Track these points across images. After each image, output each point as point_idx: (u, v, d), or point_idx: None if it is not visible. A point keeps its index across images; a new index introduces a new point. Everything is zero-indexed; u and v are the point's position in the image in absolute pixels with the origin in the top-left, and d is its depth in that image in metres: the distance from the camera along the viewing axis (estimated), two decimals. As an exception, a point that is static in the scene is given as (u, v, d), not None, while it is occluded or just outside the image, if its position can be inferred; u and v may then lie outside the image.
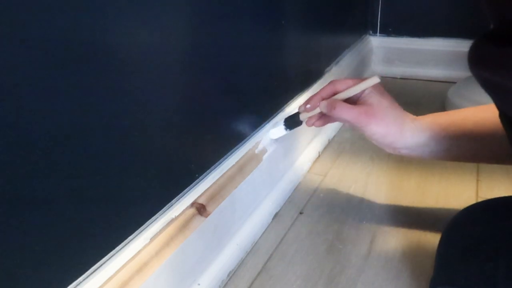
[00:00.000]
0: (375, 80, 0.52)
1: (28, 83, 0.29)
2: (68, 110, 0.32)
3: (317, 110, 0.56)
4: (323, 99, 0.55)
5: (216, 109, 0.53)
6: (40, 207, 0.31)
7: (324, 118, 0.57)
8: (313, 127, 0.59)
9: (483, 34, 0.28)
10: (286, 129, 0.62)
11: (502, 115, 0.36)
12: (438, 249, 0.48)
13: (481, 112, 0.53)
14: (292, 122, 0.61)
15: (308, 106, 0.57)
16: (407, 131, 0.54)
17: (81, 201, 0.35)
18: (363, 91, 0.54)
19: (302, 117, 0.59)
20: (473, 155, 0.57)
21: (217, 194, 0.52)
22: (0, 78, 0.27)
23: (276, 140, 0.65)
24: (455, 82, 1.07)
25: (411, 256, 0.55)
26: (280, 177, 0.70)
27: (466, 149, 0.55)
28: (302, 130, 0.76)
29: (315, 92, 0.70)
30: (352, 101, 0.55)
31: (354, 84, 0.53)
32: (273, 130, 0.64)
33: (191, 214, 0.48)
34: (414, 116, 0.56)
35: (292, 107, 0.75)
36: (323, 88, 0.56)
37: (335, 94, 0.55)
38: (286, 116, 0.63)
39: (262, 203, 0.64)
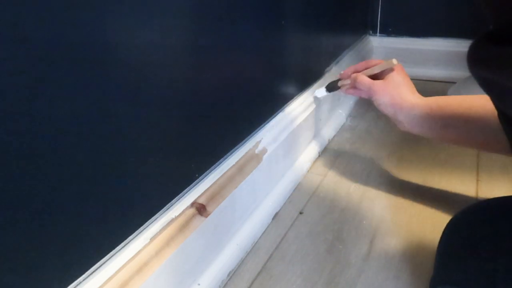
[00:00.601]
0: (392, 63, 0.65)
1: (28, 83, 0.29)
2: (68, 110, 0.32)
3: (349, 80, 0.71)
4: (355, 71, 0.69)
5: (216, 109, 0.53)
6: (40, 207, 0.31)
7: (356, 89, 0.69)
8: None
9: (482, 34, 0.28)
10: (326, 91, 0.78)
11: (500, 114, 0.36)
12: (438, 249, 0.48)
13: (478, 99, 0.57)
14: (332, 86, 0.76)
15: (344, 73, 0.72)
16: (408, 105, 0.61)
17: (81, 201, 0.35)
18: (387, 69, 0.65)
19: (340, 83, 0.73)
20: (467, 139, 0.59)
21: (217, 194, 0.52)
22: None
23: (320, 98, 0.81)
24: (455, 82, 1.08)
25: (411, 256, 0.56)
26: (280, 177, 0.70)
27: (461, 131, 0.58)
28: (302, 130, 0.76)
29: (314, 92, 0.75)
30: (377, 77, 0.67)
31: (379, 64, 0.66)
32: (317, 91, 0.80)
33: (191, 214, 0.48)
34: (420, 96, 0.63)
35: (292, 107, 0.75)
36: (358, 64, 0.70)
37: (366, 69, 0.68)
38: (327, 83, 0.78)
39: (262, 203, 0.64)
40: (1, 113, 0.27)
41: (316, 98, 0.81)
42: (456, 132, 0.59)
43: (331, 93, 0.78)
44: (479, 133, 0.56)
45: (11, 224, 0.29)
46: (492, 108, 0.36)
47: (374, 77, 0.67)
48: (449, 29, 1.18)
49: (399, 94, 0.61)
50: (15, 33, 0.27)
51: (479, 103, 0.56)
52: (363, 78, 0.66)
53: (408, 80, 0.64)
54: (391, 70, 0.65)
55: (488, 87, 0.30)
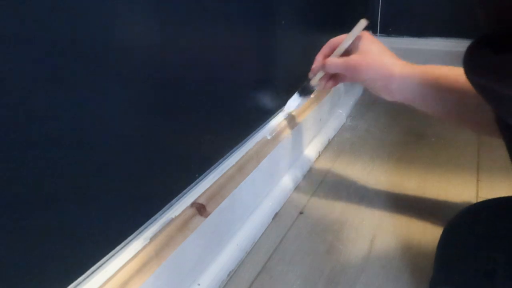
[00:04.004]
0: (363, 23, 0.55)
1: (28, 83, 0.29)
2: (68, 111, 0.32)
3: (320, 75, 0.60)
4: (324, 58, 0.58)
5: (216, 109, 0.53)
6: (40, 207, 0.31)
7: (333, 78, 0.61)
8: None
9: (477, 39, 0.28)
10: (300, 96, 0.67)
11: (498, 120, 0.36)
12: (438, 249, 0.48)
13: None
14: (305, 89, 0.65)
15: (313, 66, 0.60)
16: (397, 75, 0.54)
17: (81, 201, 0.35)
18: (356, 40, 0.56)
19: (313, 82, 0.62)
20: (459, 114, 0.54)
21: (217, 194, 0.52)
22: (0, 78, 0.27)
23: (293, 110, 0.70)
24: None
25: (411, 256, 0.55)
26: (280, 177, 0.70)
27: (454, 104, 0.53)
28: (303, 130, 0.76)
29: (314, 92, 0.72)
30: (349, 53, 0.57)
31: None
32: (289, 103, 0.68)
33: (191, 214, 0.48)
34: (405, 62, 0.56)
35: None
36: (322, 48, 0.59)
37: (333, 50, 0.58)
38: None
39: (262, 203, 0.64)
40: (1, 113, 0.27)
41: (288, 109, 0.69)
42: (449, 107, 0.54)
43: (307, 97, 0.68)
44: (475, 110, 0.51)
45: (11, 224, 0.29)
46: None
47: (346, 54, 0.57)
48: (449, 29, 1.18)
49: (384, 65, 0.54)
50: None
51: None
52: (332, 61, 0.56)
53: (383, 46, 0.56)
54: (359, 39, 0.56)
55: (484, 94, 0.30)
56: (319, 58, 0.59)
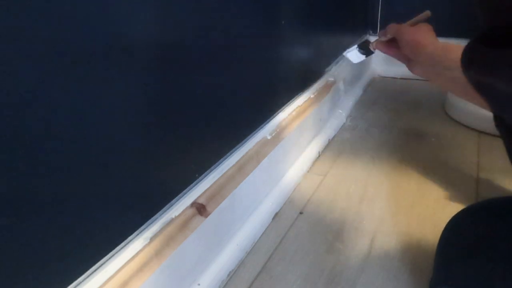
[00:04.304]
0: (427, 14, 0.68)
1: (28, 84, 0.29)
2: (68, 111, 0.32)
3: (384, 38, 0.70)
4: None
5: (216, 109, 0.53)
6: (41, 207, 0.31)
7: (384, 44, 0.70)
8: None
9: (476, 37, 0.28)
10: (361, 53, 0.75)
11: (495, 117, 0.36)
12: (438, 249, 0.48)
13: None
14: (365, 47, 0.74)
15: (382, 31, 0.71)
16: (426, 44, 0.62)
17: (81, 201, 0.35)
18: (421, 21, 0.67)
19: (375, 40, 0.72)
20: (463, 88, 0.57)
21: (217, 194, 0.52)
22: (0, 78, 0.27)
23: (353, 63, 0.77)
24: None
25: (411, 256, 0.56)
26: (280, 177, 0.70)
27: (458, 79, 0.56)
28: (303, 130, 0.76)
29: (314, 92, 0.74)
30: None
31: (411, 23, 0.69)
32: (349, 54, 0.75)
33: (191, 214, 0.48)
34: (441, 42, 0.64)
35: (292, 107, 0.75)
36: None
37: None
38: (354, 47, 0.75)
39: (262, 203, 0.64)
40: (1, 113, 0.27)
41: (348, 61, 0.78)
42: (451, 78, 0.58)
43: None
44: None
45: (12, 224, 0.29)
46: None
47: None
48: (449, 29, 1.18)
49: (420, 37, 0.63)
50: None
51: None
52: (393, 24, 0.67)
53: (432, 31, 0.66)
54: (424, 21, 0.67)
55: (483, 91, 0.30)
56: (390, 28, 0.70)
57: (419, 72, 0.64)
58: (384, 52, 0.72)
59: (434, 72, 0.61)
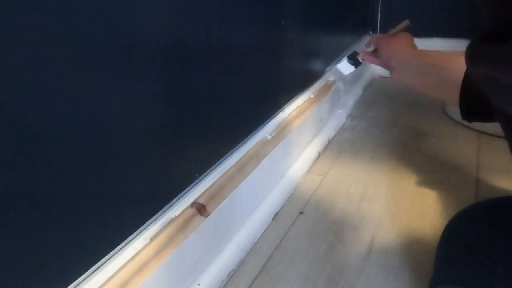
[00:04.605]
0: (406, 22, 0.74)
1: (28, 83, 0.29)
2: (68, 110, 0.32)
3: (370, 49, 0.77)
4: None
5: (216, 109, 0.53)
6: (41, 207, 0.31)
7: (370, 54, 0.77)
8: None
9: (480, 33, 0.28)
10: (351, 64, 0.82)
11: (498, 112, 0.36)
12: (438, 248, 0.48)
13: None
14: (353, 57, 0.81)
15: (367, 42, 0.78)
16: (402, 51, 0.68)
17: (81, 201, 0.35)
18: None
19: (360, 50, 0.79)
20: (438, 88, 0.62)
21: (217, 194, 0.52)
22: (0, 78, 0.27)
23: (344, 75, 0.85)
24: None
25: (411, 256, 0.56)
26: (280, 177, 0.70)
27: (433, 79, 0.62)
28: (302, 130, 0.76)
29: (314, 92, 0.75)
30: None
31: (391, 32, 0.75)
32: (340, 66, 0.84)
33: (191, 214, 0.48)
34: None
35: (292, 107, 0.75)
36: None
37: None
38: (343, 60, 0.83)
39: (262, 203, 0.64)
40: (1, 113, 0.27)
41: (338, 73, 0.84)
42: (426, 80, 0.62)
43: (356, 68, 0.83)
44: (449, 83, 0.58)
45: (12, 224, 0.29)
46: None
47: None
48: (449, 29, 1.18)
49: (397, 45, 0.69)
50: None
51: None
52: (375, 35, 0.77)
53: (411, 39, 0.71)
54: (404, 30, 0.73)
55: (486, 85, 0.30)
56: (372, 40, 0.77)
57: (396, 77, 0.69)
58: (370, 62, 0.78)
59: (408, 76, 0.66)
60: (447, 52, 0.63)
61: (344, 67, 0.83)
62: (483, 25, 0.28)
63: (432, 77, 0.62)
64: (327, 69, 0.93)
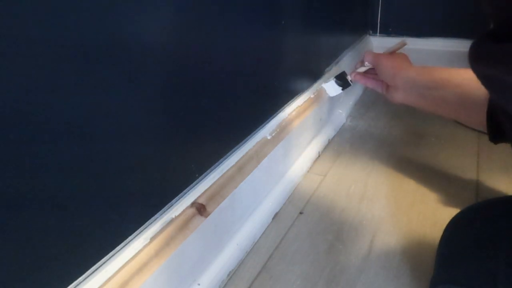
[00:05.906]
0: (403, 43, 0.70)
1: (28, 83, 0.29)
2: (68, 110, 0.32)
3: (363, 68, 0.72)
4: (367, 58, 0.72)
5: (216, 109, 0.53)
6: (40, 207, 0.31)
7: (362, 75, 0.73)
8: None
9: (483, 33, 0.28)
10: (339, 86, 0.77)
11: (502, 111, 0.36)
12: (438, 248, 0.48)
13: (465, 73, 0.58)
14: (342, 78, 0.76)
15: (359, 61, 0.74)
16: (404, 70, 0.64)
17: (81, 201, 0.35)
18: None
19: (352, 74, 0.74)
20: (446, 105, 0.60)
21: (217, 194, 0.52)
22: (0, 78, 0.27)
23: (332, 96, 0.81)
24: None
25: (411, 256, 0.56)
26: (280, 177, 0.70)
27: (442, 97, 0.60)
28: (302, 130, 0.76)
29: (314, 91, 0.75)
30: None
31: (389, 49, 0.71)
32: (326, 86, 0.79)
33: (191, 214, 0.48)
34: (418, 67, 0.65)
35: (292, 107, 0.75)
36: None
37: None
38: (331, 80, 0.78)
39: (262, 203, 0.64)
40: (1, 113, 0.27)
41: (326, 94, 0.80)
42: (438, 98, 0.60)
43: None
44: (458, 102, 0.58)
45: (12, 224, 0.29)
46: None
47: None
48: (449, 29, 1.18)
49: (399, 63, 0.65)
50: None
51: (467, 76, 0.58)
52: (369, 52, 0.69)
53: (409, 60, 0.69)
54: (400, 49, 0.70)
55: (490, 84, 0.30)
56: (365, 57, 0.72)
57: (399, 98, 0.65)
58: (363, 83, 0.73)
59: (416, 95, 0.63)
60: (458, 68, 0.60)
61: (331, 88, 0.78)
62: (487, 25, 0.28)
63: (448, 94, 0.58)
64: (327, 69, 0.93)
